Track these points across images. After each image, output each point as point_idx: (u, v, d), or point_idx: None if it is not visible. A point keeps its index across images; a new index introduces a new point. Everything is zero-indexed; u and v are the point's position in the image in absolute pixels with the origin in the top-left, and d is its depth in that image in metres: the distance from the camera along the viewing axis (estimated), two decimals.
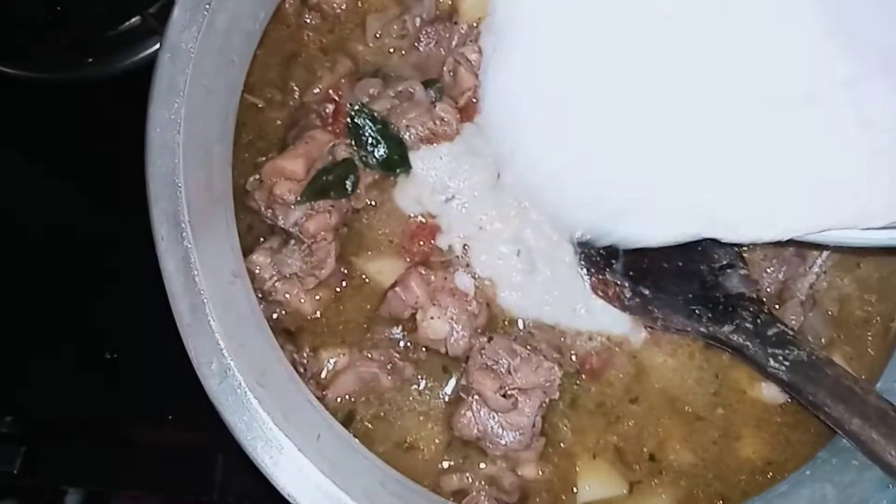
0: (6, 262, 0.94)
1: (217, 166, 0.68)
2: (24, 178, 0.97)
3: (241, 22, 0.68)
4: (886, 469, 0.60)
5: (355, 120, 0.70)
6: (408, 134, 0.70)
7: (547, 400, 0.68)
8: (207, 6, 0.63)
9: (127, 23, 0.95)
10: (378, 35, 0.75)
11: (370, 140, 0.70)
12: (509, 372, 0.67)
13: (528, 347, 0.68)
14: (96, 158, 0.95)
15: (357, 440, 0.67)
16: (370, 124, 0.70)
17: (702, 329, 0.69)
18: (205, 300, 0.60)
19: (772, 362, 0.66)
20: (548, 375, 0.67)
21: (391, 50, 0.75)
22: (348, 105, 0.71)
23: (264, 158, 0.71)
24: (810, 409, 0.66)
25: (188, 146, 0.62)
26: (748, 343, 0.67)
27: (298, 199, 0.69)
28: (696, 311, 0.69)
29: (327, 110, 0.72)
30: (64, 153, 0.97)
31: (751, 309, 0.69)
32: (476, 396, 0.67)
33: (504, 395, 0.67)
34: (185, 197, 0.61)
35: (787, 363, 0.65)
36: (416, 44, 0.74)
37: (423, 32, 0.74)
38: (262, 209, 0.70)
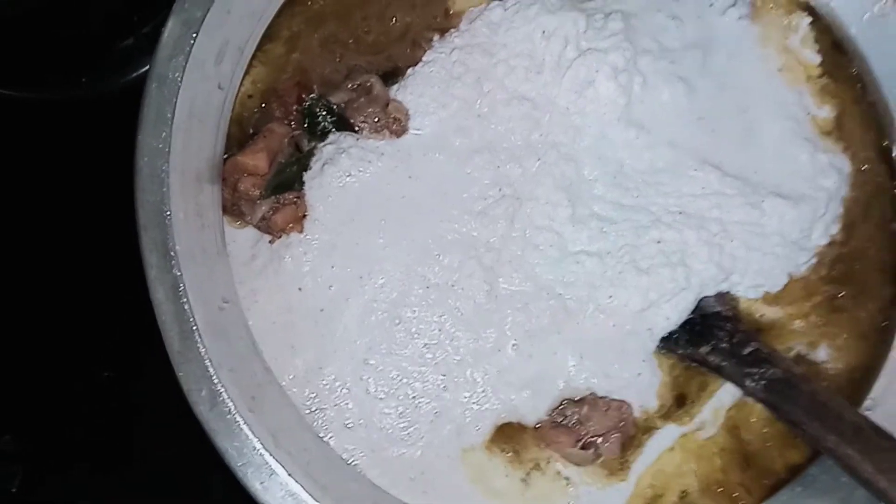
0: (3, 283, 0.95)
1: (207, 194, 0.68)
2: (19, 198, 0.97)
3: (229, 49, 0.68)
4: (864, 485, 0.60)
5: (312, 109, 0.72)
6: (359, 128, 0.72)
7: (627, 437, 0.69)
8: (194, 35, 0.64)
9: (121, 43, 0.95)
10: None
11: (322, 131, 0.72)
12: (581, 422, 0.68)
13: (590, 395, 0.69)
14: (91, 178, 0.96)
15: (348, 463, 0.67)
16: (325, 115, 0.72)
17: (679, 351, 0.71)
18: (194, 327, 0.61)
19: (748, 381, 0.67)
20: (620, 414, 0.68)
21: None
22: (304, 95, 0.72)
23: (226, 156, 0.72)
24: (788, 426, 0.66)
25: (177, 175, 0.63)
26: (725, 363, 0.68)
27: (263, 193, 0.70)
28: (674, 335, 0.71)
29: (291, 96, 0.74)
30: (58, 173, 0.97)
31: (726, 328, 0.70)
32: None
33: (583, 447, 0.68)
34: (173, 225, 0.62)
35: (763, 381, 0.67)
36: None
37: None
38: (230, 207, 0.71)
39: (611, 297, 0.70)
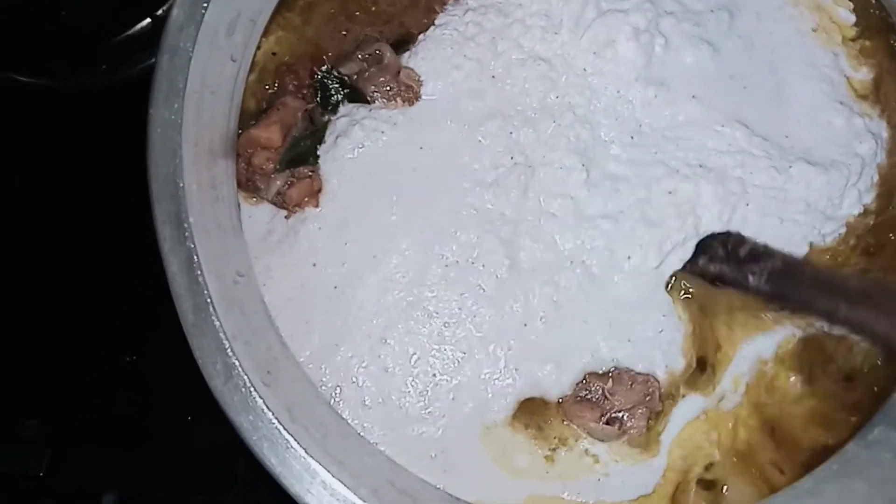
0: (25, 270, 0.95)
1: (221, 167, 0.68)
2: (41, 186, 0.98)
3: (241, 20, 0.68)
4: (884, 342, 0.62)
5: (325, 81, 0.71)
6: (371, 97, 0.71)
7: (653, 413, 0.67)
8: (205, 5, 0.63)
9: (137, 26, 0.95)
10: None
11: (335, 104, 0.71)
12: (606, 397, 0.67)
13: (614, 369, 0.67)
14: (113, 163, 0.96)
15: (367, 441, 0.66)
16: (338, 87, 0.71)
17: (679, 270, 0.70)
18: (208, 300, 0.60)
19: (751, 279, 0.67)
20: (646, 388, 0.67)
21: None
22: (315, 69, 0.72)
23: (240, 131, 0.72)
24: (801, 312, 0.67)
25: (190, 146, 0.62)
26: (725, 267, 0.68)
27: (277, 167, 0.69)
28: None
29: (304, 69, 0.73)
30: (80, 159, 0.97)
31: (719, 238, 0.70)
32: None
33: (608, 422, 0.66)
34: (187, 197, 0.61)
35: (765, 274, 0.67)
36: None
37: None
38: (244, 181, 0.70)
39: (629, 257, 0.68)
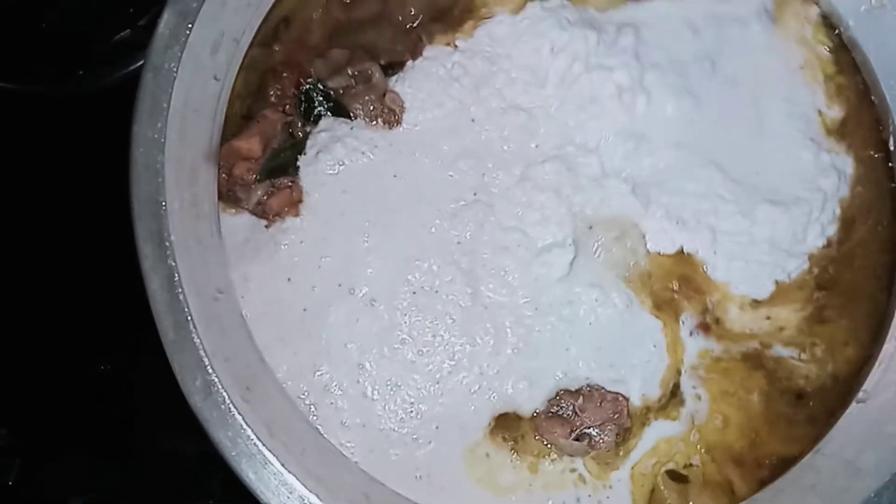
0: (0, 278, 0.95)
1: (203, 184, 0.68)
2: (15, 193, 0.97)
3: (225, 40, 0.68)
4: None
5: (310, 93, 0.72)
6: (354, 114, 0.72)
7: (622, 430, 0.69)
8: (190, 25, 0.64)
9: (117, 35, 0.95)
10: None
11: (317, 116, 0.73)
12: (576, 413, 0.68)
13: (586, 386, 0.69)
14: (87, 171, 0.96)
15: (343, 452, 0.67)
16: (322, 100, 0.72)
17: None
18: (189, 317, 0.61)
19: None
20: (615, 406, 0.68)
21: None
22: (301, 80, 0.73)
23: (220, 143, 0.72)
24: None
25: (172, 165, 0.63)
26: None
27: (258, 177, 0.70)
28: None
29: (290, 79, 0.73)
30: (54, 167, 0.97)
31: None
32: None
33: (577, 438, 0.68)
34: (169, 216, 0.62)
35: None
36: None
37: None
38: (225, 192, 0.71)
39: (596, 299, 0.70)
